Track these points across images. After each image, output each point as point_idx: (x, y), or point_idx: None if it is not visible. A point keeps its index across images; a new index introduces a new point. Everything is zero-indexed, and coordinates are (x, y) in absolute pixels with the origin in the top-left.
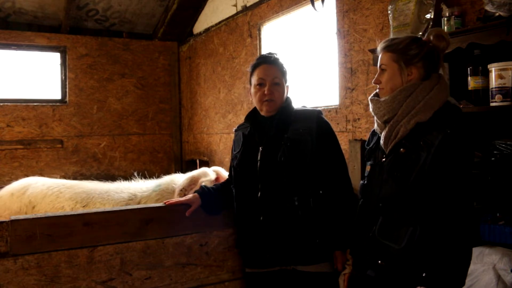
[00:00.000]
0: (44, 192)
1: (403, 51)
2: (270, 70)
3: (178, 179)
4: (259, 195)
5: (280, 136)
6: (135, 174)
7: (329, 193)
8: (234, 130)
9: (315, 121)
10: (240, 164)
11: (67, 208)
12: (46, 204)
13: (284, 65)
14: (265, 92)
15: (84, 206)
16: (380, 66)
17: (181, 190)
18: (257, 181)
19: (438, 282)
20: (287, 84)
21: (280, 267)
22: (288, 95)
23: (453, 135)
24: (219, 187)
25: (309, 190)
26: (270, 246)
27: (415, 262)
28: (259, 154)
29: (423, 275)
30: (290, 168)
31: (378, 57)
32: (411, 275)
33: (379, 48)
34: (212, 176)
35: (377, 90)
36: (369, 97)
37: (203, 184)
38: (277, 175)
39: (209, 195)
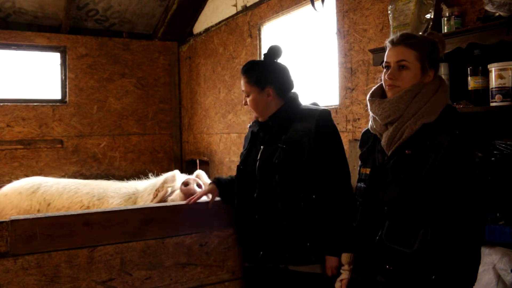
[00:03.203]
0: (60, 190)
1: (429, 52)
2: (243, 81)
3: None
4: (255, 194)
5: (279, 137)
6: (151, 174)
7: (322, 197)
8: (248, 126)
9: (314, 121)
10: (242, 162)
11: (85, 202)
12: (64, 200)
13: (258, 71)
14: (244, 103)
15: (99, 199)
16: (399, 61)
17: (156, 190)
18: (256, 180)
19: (448, 284)
20: (267, 88)
21: (273, 264)
22: (293, 91)
23: (461, 136)
24: (232, 179)
25: (302, 193)
26: (263, 244)
27: (426, 265)
28: (260, 153)
29: (433, 277)
30: (284, 171)
31: (387, 49)
32: (421, 278)
33: (394, 40)
34: (178, 183)
35: (375, 89)
36: (368, 98)
37: (169, 188)
38: (272, 177)
39: (225, 185)
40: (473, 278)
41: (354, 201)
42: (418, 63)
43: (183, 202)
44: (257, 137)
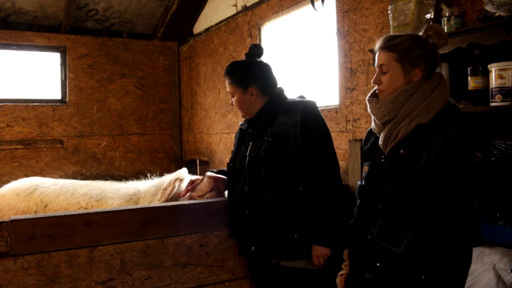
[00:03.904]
0: (57, 191)
1: (407, 51)
2: (227, 82)
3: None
4: (246, 189)
5: (265, 131)
6: (148, 174)
7: (309, 190)
8: (240, 124)
9: (299, 114)
10: (232, 159)
11: (83, 203)
12: (61, 201)
13: (240, 71)
14: (230, 104)
15: (97, 201)
16: (380, 66)
17: (163, 189)
18: (246, 176)
19: (438, 285)
20: (250, 87)
21: (266, 259)
22: (279, 87)
23: (454, 137)
24: (222, 170)
25: (288, 186)
26: (254, 239)
27: (415, 265)
28: (249, 149)
29: (423, 277)
30: (270, 164)
31: (376, 54)
32: (410, 278)
33: (377, 46)
34: (187, 180)
35: (375, 90)
36: (367, 98)
37: (176, 184)
38: (259, 170)
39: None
40: (463, 279)
41: (342, 192)
42: (398, 64)
43: (184, 202)
44: (246, 134)
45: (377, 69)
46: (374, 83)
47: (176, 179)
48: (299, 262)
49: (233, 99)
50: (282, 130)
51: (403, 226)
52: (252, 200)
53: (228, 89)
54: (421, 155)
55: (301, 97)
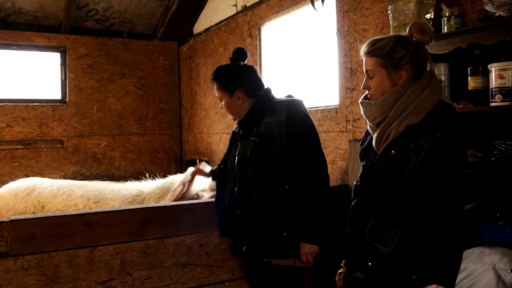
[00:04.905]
0: (54, 192)
1: (388, 54)
2: (214, 87)
3: (178, 179)
4: (236, 190)
5: (252, 131)
6: (146, 175)
7: (295, 188)
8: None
9: (284, 113)
10: (224, 161)
11: (80, 205)
12: (58, 203)
13: (225, 76)
14: (220, 107)
15: (96, 202)
16: (366, 71)
17: (173, 191)
18: (235, 176)
19: (428, 285)
20: (236, 91)
21: (257, 258)
22: (266, 87)
23: (443, 137)
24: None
25: (274, 184)
26: (245, 239)
27: (404, 265)
28: (238, 150)
29: (413, 277)
30: (256, 163)
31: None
32: (400, 278)
33: (362, 52)
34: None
35: (366, 93)
36: (360, 101)
37: (186, 186)
38: (246, 170)
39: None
40: (453, 279)
41: (328, 192)
42: (381, 69)
43: (184, 202)
44: (237, 135)
45: (365, 75)
46: (363, 88)
47: (186, 181)
48: (289, 260)
49: (222, 103)
50: (267, 130)
51: (392, 227)
52: (241, 200)
53: (216, 94)
54: (411, 156)
55: (289, 96)
